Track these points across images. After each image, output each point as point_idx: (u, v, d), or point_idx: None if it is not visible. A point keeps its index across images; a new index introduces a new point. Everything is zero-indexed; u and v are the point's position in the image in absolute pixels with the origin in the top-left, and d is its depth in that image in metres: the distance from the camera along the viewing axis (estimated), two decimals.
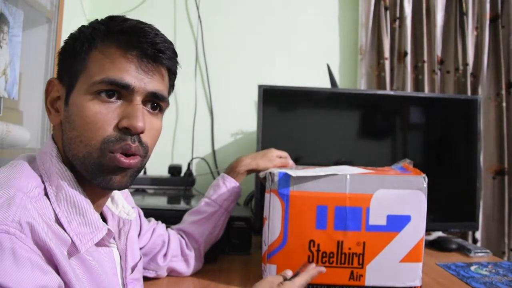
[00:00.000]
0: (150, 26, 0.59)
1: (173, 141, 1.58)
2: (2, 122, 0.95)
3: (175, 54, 0.62)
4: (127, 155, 0.56)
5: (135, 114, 0.55)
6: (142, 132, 0.57)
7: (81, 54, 0.56)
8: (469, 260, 1.15)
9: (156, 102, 0.60)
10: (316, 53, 1.61)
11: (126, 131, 0.55)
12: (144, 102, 0.58)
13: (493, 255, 1.22)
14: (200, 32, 1.58)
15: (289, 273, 0.77)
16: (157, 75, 0.59)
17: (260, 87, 1.22)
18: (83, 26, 0.59)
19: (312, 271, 0.78)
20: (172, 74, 0.64)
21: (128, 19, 0.58)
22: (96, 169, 0.55)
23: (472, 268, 1.06)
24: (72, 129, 0.56)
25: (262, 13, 1.61)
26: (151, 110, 0.60)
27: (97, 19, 0.60)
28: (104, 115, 0.54)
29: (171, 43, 0.61)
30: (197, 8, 1.57)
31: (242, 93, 1.57)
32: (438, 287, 0.92)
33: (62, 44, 0.61)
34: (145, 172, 1.49)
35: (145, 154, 0.59)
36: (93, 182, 0.56)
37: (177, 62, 0.64)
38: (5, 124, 0.96)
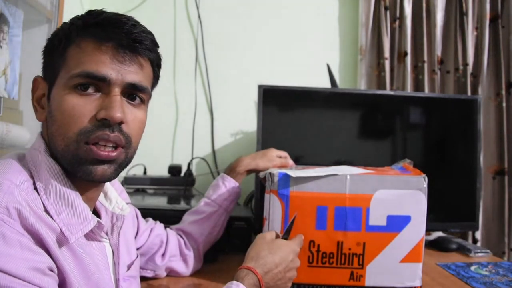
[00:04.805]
0: (127, 18, 0.58)
1: (173, 141, 1.58)
2: (2, 122, 0.94)
3: (155, 44, 0.62)
4: (107, 146, 0.56)
5: (112, 104, 0.55)
6: (121, 123, 0.57)
7: (59, 50, 0.57)
8: (469, 260, 1.15)
9: (136, 93, 0.59)
10: (316, 53, 1.60)
11: (105, 122, 0.55)
12: (124, 94, 0.58)
13: (493, 255, 1.22)
14: (200, 32, 1.58)
15: (278, 231, 0.79)
16: (134, 65, 0.58)
17: (260, 87, 1.22)
18: (64, 23, 0.60)
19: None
20: (155, 66, 0.63)
21: (104, 12, 0.58)
22: (74, 162, 0.56)
23: (472, 268, 1.06)
24: (53, 123, 0.56)
25: (262, 13, 1.61)
26: (131, 101, 0.59)
27: (77, 15, 0.60)
28: (82, 107, 0.55)
29: (150, 33, 0.60)
30: (197, 8, 1.57)
31: (242, 93, 1.57)
32: (438, 287, 0.92)
33: None
34: (145, 172, 1.49)
35: (129, 145, 0.59)
36: (76, 175, 0.56)
37: (158, 53, 0.63)
38: (5, 124, 0.96)
